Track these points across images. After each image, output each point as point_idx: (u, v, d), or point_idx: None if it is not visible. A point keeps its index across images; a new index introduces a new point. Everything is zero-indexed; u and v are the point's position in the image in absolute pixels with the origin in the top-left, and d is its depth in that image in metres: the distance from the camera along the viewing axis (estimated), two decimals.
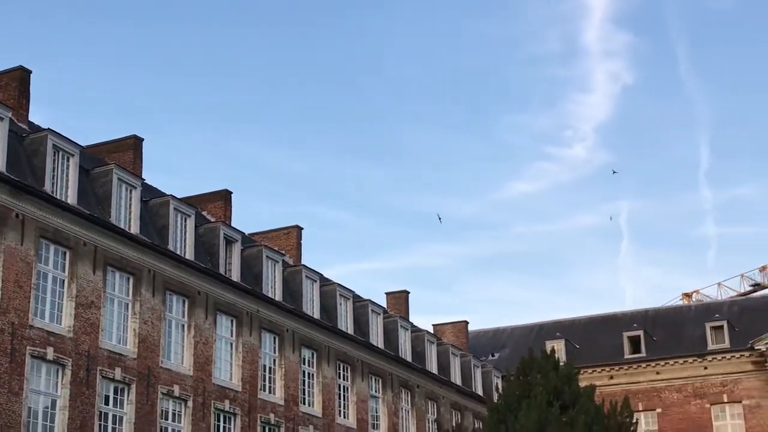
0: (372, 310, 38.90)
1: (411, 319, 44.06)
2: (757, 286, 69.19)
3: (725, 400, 47.67)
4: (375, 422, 37.72)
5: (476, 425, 42.63)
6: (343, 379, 36.22)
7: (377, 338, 38.75)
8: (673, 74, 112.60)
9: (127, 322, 27.20)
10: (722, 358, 48.03)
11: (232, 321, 31.14)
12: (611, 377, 49.71)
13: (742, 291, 68.67)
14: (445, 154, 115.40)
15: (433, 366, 42.55)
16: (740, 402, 47.35)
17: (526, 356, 34.77)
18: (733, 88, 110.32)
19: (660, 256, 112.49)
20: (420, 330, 43.25)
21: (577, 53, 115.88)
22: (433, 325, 50.65)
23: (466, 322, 52.20)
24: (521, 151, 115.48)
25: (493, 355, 53.93)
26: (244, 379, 30.91)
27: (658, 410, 48.66)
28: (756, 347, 46.67)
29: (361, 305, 38.57)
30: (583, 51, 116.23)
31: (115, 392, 26.32)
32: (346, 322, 36.84)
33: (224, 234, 31.75)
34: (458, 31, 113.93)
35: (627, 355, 50.25)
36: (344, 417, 35.79)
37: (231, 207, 36.27)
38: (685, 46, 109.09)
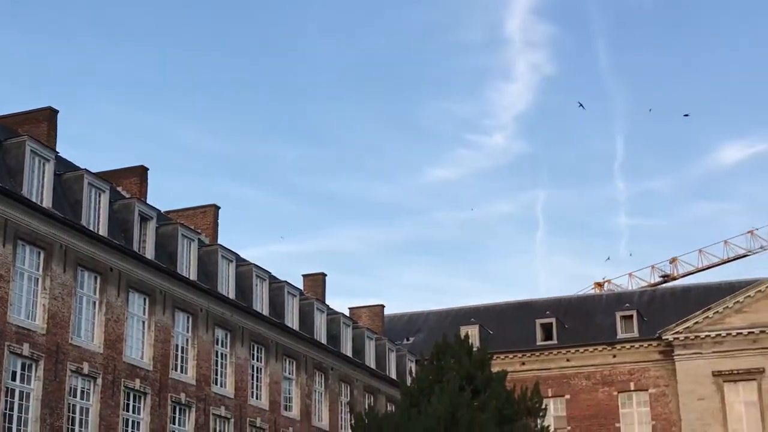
0: (288, 291, 38.88)
1: (327, 302, 44.18)
2: (667, 278, 71.18)
3: (632, 388, 48.98)
4: (287, 404, 37.77)
5: (389, 408, 42.99)
6: (257, 360, 36.16)
7: (292, 320, 38.77)
8: (592, 67, 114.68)
9: (37, 298, 26.71)
10: (631, 346, 49.29)
11: (144, 299, 30.83)
12: (523, 363, 50.63)
13: (653, 282, 70.57)
14: (366, 137, 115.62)
15: (347, 349, 42.76)
16: (647, 390, 48.69)
17: (440, 341, 35.19)
18: (649, 84, 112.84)
19: (574, 246, 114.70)
20: (336, 313, 43.40)
21: (500, 43, 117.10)
22: (350, 308, 50.87)
23: (383, 306, 52.54)
24: (442, 137, 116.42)
25: (408, 340, 54.41)
26: (155, 358, 30.64)
27: (567, 396, 49.78)
28: (664, 337, 48.03)
29: (277, 286, 38.52)
30: (506, 41, 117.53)
31: (23, 368, 25.84)
32: (261, 303, 36.76)
33: (139, 211, 31.36)
34: (381, 14, 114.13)
35: (539, 342, 51.22)
36: (257, 398, 35.76)
37: (147, 184, 35.81)
38: (605, 41, 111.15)
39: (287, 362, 38.10)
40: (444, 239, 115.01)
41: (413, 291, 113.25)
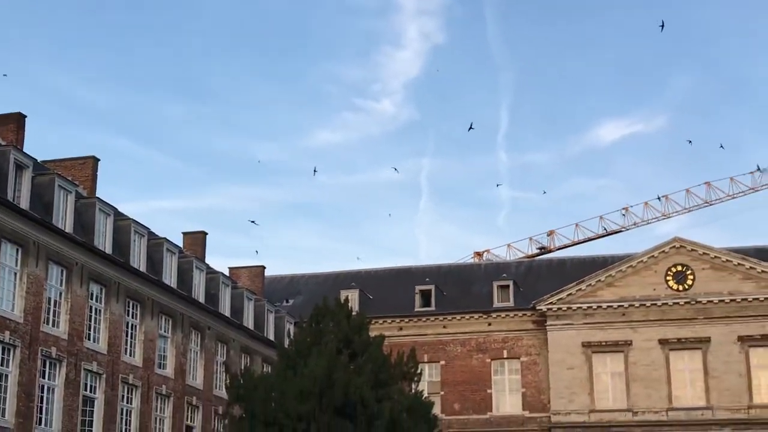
0: (167, 248, 38.40)
1: (207, 261, 43.83)
2: (544, 250, 73.18)
3: (505, 355, 50.33)
4: (162, 362, 37.43)
5: (265, 370, 43.09)
6: (132, 317, 35.68)
7: (170, 278, 38.34)
8: (481, 38, 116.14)
9: None
10: (506, 316, 50.58)
11: (17, 250, 29.96)
12: (401, 328, 51.39)
13: (530, 253, 72.44)
14: (252, 96, 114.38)
15: (226, 309, 42.58)
16: (519, 358, 50.11)
17: (320, 304, 35.41)
18: (535, 58, 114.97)
19: (456, 215, 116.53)
20: (215, 272, 43.10)
21: (392, 8, 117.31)
22: (230, 268, 50.61)
23: (263, 267, 52.44)
24: (330, 100, 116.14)
25: (287, 302, 54.51)
26: (26, 311, 29.88)
27: (442, 362, 50.82)
28: (537, 307, 49.45)
29: (155, 243, 37.99)
30: (398, 7, 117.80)
31: None
32: (139, 259, 36.20)
33: (15, 159, 30.39)
34: None
35: (417, 308, 52.04)
36: (130, 355, 35.32)
37: (24, 132, 34.69)
38: (495, 12, 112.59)
39: (163, 320, 37.71)
40: (328, 202, 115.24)
41: (295, 253, 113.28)
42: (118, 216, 35.83)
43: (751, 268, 47.31)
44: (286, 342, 37.79)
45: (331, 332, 33.85)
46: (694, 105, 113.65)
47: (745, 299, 46.96)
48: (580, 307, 48.87)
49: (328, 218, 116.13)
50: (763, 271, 47.06)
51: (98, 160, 38.28)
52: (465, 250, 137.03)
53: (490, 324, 50.87)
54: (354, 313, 35.72)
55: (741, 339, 46.77)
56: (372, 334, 35.70)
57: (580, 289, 49.12)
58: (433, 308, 51.87)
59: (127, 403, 34.76)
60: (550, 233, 74.60)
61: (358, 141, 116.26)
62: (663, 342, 47.62)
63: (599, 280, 49.12)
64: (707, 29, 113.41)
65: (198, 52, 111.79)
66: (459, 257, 72.09)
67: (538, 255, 71.68)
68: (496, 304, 51.16)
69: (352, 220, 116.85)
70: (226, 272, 47.15)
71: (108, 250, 34.16)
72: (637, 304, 48.28)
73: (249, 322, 44.73)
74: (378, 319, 48.74)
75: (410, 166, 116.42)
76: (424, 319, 51.53)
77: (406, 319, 51.65)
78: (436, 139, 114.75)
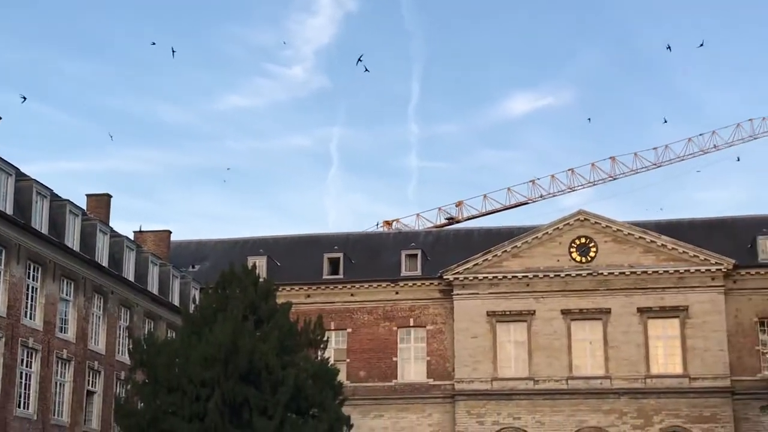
0: (70, 210, 37.62)
1: (112, 224, 43.12)
2: (452, 220, 73.96)
3: (411, 324, 50.90)
4: (63, 326, 36.79)
5: (170, 335, 42.75)
6: (33, 280, 34.92)
7: (73, 240, 37.60)
8: (394, 8, 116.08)
9: None
10: (413, 284, 51.09)
11: None
12: (308, 296, 51.47)
13: (439, 223, 73.14)
14: (158, 57, 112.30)
15: (130, 273, 42.00)
16: (425, 327, 50.73)
17: (226, 270, 35.26)
18: (447, 30, 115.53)
19: (366, 184, 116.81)
20: (119, 236, 42.43)
21: None
22: (135, 232, 49.88)
23: (169, 232, 51.86)
24: (239, 64, 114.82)
25: (193, 267, 54.03)
26: None
27: (349, 330, 51.13)
28: (444, 277, 50.05)
29: (58, 205, 37.18)
30: None
31: None
32: (40, 221, 35.39)
33: None
34: None
35: (325, 276, 52.15)
36: (30, 318, 34.61)
37: None
38: None
39: (65, 283, 37.02)
40: (236, 168, 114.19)
41: (202, 218, 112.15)
42: (20, 176, 34.92)
43: (651, 241, 48.69)
44: (192, 308, 37.57)
45: (237, 298, 33.80)
46: (601, 80, 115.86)
47: (645, 272, 48.37)
48: (485, 277, 49.65)
49: (235, 184, 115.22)
50: (662, 245, 48.49)
51: None
52: (374, 219, 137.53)
53: (397, 293, 51.33)
54: (261, 280, 35.69)
55: (640, 310, 48.18)
56: (279, 301, 35.75)
57: (486, 260, 49.89)
58: (341, 276, 52.05)
59: (27, 367, 34.10)
60: (459, 204, 75.41)
61: (267, 107, 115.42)
62: (565, 312, 48.78)
63: (505, 251, 49.96)
64: (616, 5, 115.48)
65: (100, 8, 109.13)
66: (368, 226, 72.47)
67: (446, 225, 72.40)
68: (404, 273, 51.61)
69: (260, 186, 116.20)
70: (131, 236, 46.48)
71: (9, 211, 33.30)
72: (541, 275, 49.29)
73: (154, 287, 44.23)
74: (286, 287, 48.70)
75: (320, 133, 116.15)
76: (332, 286, 51.70)
77: (314, 287, 51.74)
78: (347, 107, 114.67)
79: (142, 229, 50.83)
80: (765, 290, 45.40)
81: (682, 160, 78.07)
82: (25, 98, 48.80)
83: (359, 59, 46.94)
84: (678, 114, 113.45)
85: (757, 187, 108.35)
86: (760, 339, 47.66)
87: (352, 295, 51.62)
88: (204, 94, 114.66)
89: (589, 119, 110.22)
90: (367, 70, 53.87)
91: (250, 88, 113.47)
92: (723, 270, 47.70)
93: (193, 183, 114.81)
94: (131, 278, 41.98)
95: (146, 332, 39.81)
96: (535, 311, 49.10)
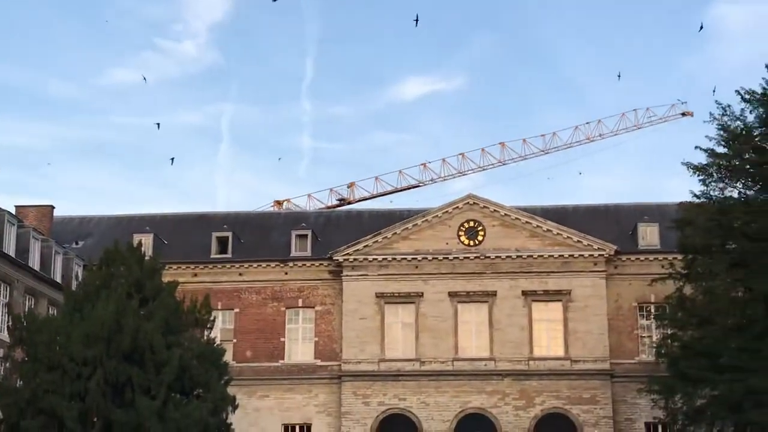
0: None
1: None
2: (343, 201, 74.23)
3: (300, 304, 50.90)
4: None
5: (51, 312, 41.79)
6: None
7: None
8: None
9: None
10: (303, 265, 51.08)
11: None
12: (195, 275, 50.94)
13: (330, 204, 73.31)
14: (42, 28, 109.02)
15: (10, 248, 40.81)
16: (313, 307, 50.81)
17: (111, 247, 34.68)
18: (342, 10, 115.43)
19: (257, 163, 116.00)
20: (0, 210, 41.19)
21: None
22: (16, 206, 48.50)
23: (52, 207, 50.64)
24: (128, 38, 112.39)
25: (77, 244, 52.82)
26: None
27: (237, 310, 50.83)
28: (334, 258, 50.20)
29: None
30: None
31: None
32: None
33: None
34: None
35: (213, 255, 51.69)
36: None
37: None
38: None
39: None
40: (123, 143, 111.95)
41: (88, 194, 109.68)
42: None
43: (537, 226, 49.82)
44: (74, 285, 36.87)
45: (121, 276, 33.32)
46: (493, 67, 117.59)
47: (531, 256, 49.47)
48: (375, 259, 50.01)
49: (123, 160, 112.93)
50: (548, 230, 49.67)
51: None
52: (265, 198, 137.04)
53: (286, 273, 51.24)
54: (147, 258, 35.24)
55: (525, 293, 49.28)
56: (165, 279, 35.35)
57: (376, 241, 50.23)
58: (229, 255, 51.67)
59: None
60: (351, 185, 75.70)
61: (157, 82, 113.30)
62: (452, 294, 49.53)
63: (395, 233, 50.40)
64: None
65: None
66: (258, 205, 72.12)
67: (337, 206, 72.62)
68: (294, 253, 51.55)
69: (147, 162, 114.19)
70: (12, 210, 45.16)
71: None
72: (430, 257, 49.89)
73: (35, 262, 43.11)
74: (172, 265, 48.08)
75: (212, 110, 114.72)
76: (219, 266, 51.29)
77: (202, 266, 51.25)
78: (240, 84, 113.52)
79: (23, 204, 49.46)
80: (644, 276, 46.88)
81: (569, 147, 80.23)
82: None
83: None
84: (566, 102, 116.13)
85: (640, 176, 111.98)
86: (638, 323, 49.35)
87: (240, 274, 51.32)
88: (92, 68, 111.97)
89: (482, 106, 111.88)
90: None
91: (139, 63, 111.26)
92: (605, 256, 49.18)
93: (79, 158, 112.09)
94: (11, 253, 40.82)
95: (27, 309, 38.85)
96: (423, 293, 49.72)
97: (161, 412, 30.82)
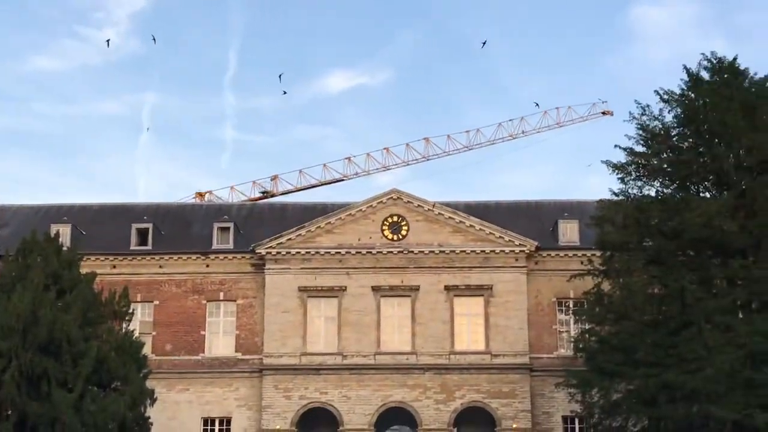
0: None
1: None
2: (267, 194, 74.00)
3: (221, 298, 50.62)
4: None
5: None
6: None
7: None
8: None
9: None
10: (224, 258, 50.79)
11: None
12: (114, 266, 50.29)
13: (253, 197, 73.02)
14: None
15: None
16: (235, 301, 50.56)
17: (27, 237, 34.14)
18: (267, 2, 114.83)
19: (179, 153, 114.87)
20: None
21: None
22: None
23: None
24: (48, 25, 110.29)
25: None
26: None
27: (156, 302, 50.29)
28: (257, 251, 50.03)
29: None
30: None
31: None
32: None
33: None
34: None
35: (133, 247, 51.08)
36: None
37: None
38: None
39: None
40: (41, 132, 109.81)
41: (5, 183, 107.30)
42: None
43: (460, 222, 50.34)
44: None
45: (38, 267, 32.85)
46: (418, 62, 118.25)
47: (453, 251, 49.96)
48: (298, 252, 49.98)
49: (41, 149, 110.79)
50: (470, 226, 50.20)
51: None
52: (187, 190, 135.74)
53: (208, 266, 50.90)
54: (64, 249, 34.78)
55: (447, 288, 49.75)
56: (83, 271, 34.94)
57: (299, 235, 50.20)
58: (149, 247, 51.12)
59: None
60: (274, 178, 75.51)
61: (77, 70, 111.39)
62: (375, 289, 49.78)
63: (319, 227, 50.43)
64: None
65: None
66: (180, 197, 71.39)
67: (260, 199, 72.36)
68: (215, 245, 51.24)
69: (66, 152, 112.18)
70: None
71: None
72: (353, 251, 50.04)
73: None
74: (90, 257, 47.44)
75: (133, 100, 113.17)
76: (139, 258, 50.71)
77: (121, 257, 50.61)
78: (162, 74, 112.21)
79: None
80: (564, 272, 47.59)
81: (492, 143, 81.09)
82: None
83: None
84: (490, 99, 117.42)
85: (561, 174, 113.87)
86: (558, 318, 50.18)
87: (160, 267, 50.80)
88: (11, 55, 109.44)
89: (407, 100, 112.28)
90: None
91: (59, 51, 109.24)
92: (526, 251, 49.89)
93: None
94: None
95: None
96: (346, 287, 49.85)
97: (78, 405, 30.49)
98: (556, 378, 44.99)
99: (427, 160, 79.37)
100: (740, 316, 35.62)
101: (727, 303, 34.83)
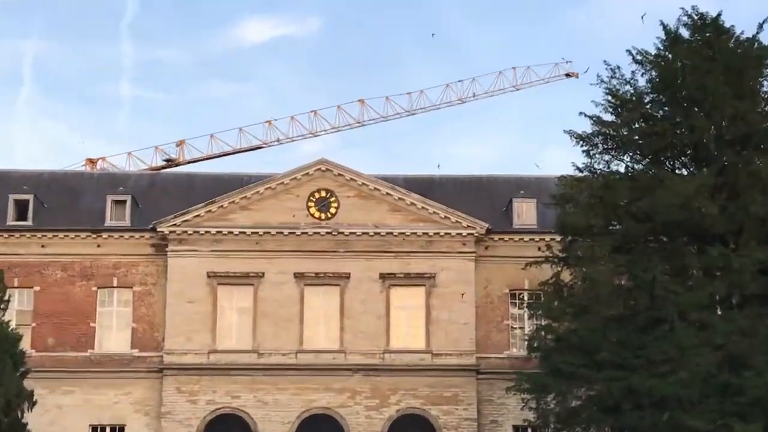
0: None
1: None
2: (171, 162, 73.55)
3: (115, 284, 50.23)
4: None
5: None
6: None
7: None
8: None
9: None
10: (120, 237, 50.34)
11: None
12: None
13: (155, 165, 72.55)
14: None
15: None
16: (131, 288, 50.21)
17: None
18: None
19: (66, 113, 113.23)
20: None
21: None
22: None
23: None
24: None
25: None
26: None
27: (37, 288, 49.74)
28: (158, 229, 49.62)
29: None
30: None
31: None
32: None
33: None
34: None
35: (10, 222, 50.45)
36: None
37: None
38: None
39: None
40: None
41: None
42: None
43: (399, 198, 50.50)
44: None
45: None
46: (351, 11, 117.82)
47: (390, 233, 50.13)
48: (208, 232, 49.73)
49: None
50: (411, 204, 50.37)
51: None
52: (75, 156, 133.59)
53: (99, 246, 50.43)
54: None
55: (383, 277, 49.95)
56: None
57: (209, 211, 49.92)
58: (29, 223, 50.51)
59: None
60: (180, 143, 75.07)
61: None
62: (299, 276, 49.77)
63: (232, 202, 50.19)
64: None
65: None
66: (67, 164, 70.51)
67: (164, 168, 71.92)
68: (109, 222, 50.76)
69: None
70: None
71: None
72: (273, 231, 49.92)
73: None
74: None
75: (10, 48, 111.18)
76: (17, 235, 50.08)
77: None
78: (46, 19, 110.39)
79: None
80: (518, 259, 47.98)
81: (438, 108, 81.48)
82: None
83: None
84: (437, 57, 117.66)
85: (517, 145, 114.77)
86: (509, 313, 50.73)
87: (42, 246, 50.22)
88: None
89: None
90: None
91: None
92: (475, 234, 50.27)
93: None
94: None
95: None
96: (263, 274, 49.79)
97: None
98: (506, 382, 45.17)
99: (362, 125, 79.60)
100: (718, 312, 36.25)
101: (704, 297, 35.29)
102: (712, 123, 36.94)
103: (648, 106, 38.57)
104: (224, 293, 49.90)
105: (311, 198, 50.70)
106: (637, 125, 38.53)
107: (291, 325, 49.54)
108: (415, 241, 50.33)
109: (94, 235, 50.44)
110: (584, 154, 38.86)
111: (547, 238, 45.32)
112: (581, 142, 38.81)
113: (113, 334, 50.13)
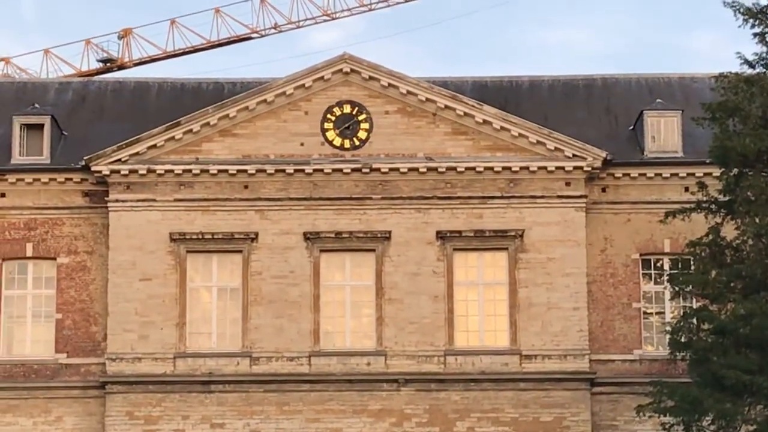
0: None
1: None
2: (111, 64, 73.53)
3: (29, 254, 50.51)
4: None
5: None
6: None
7: None
8: None
9: None
10: (34, 180, 50.51)
11: None
12: None
13: (86, 69, 72.66)
14: None
15: None
16: (55, 259, 50.43)
17: None
18: None
19: None
20: None
21: None
22: None
23: None
24: None
25: None
26: None
27: None
28: (94, 168, 49.55)
29: None
30: None
31: None
32: None
33: None
34: None
35: None
36: None
37: None
38: None
39: None
40: None
41: None
42: None
43: (466, 114, 50.20)
44: None
45: None
46: None
47: (453, 168, 49.96)
48: (170, 171, 49.78)
49: None
50: (484, 122, 50.08)
51: None
52: None
53: (4, 195, 50.69)
54: None
55: (442, 237, 49.92)
56: None
57: (173, 139, 49.92)
58: None
59: None
60: (125, 34, 75.01)
61: None
62: (311, 238, 49.79)
63: (207, 125, 50.14)
64: None
65: None
66: None
67: (101, 72, 72.05)
68: (18, 158, 51.02)
69: None
70: None
71: None
72: (270, 168, 49.94)
73: None
74: None
75: None
76: None
77: None
78: None
79: None
80: (654, 206, 47.86)
81: None
82: None
83: None
84: None
85: (644, 30, 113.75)
86: (642, 290, 50.40)
87: None
88: None
89: None
90: None
91: None
92: (585, 169, 50.03)
93: None
94: None
95: None
96: (257, 235, 49.89)
97: None
98: (638, 397, 45.36)
99: (403, 2, 79.08)
100: None
101: None
102: None
103: None
104: (197, 266, 50.22)
105: (329, 116, 50.67)
106: None
107: (300, 314, 49.69)
108: (492, 181, 50.23)
109: None
110: (757, 39, 38.54)
111: (700, 172, 44.93)
112: (753, 20, 38.48)
113: (27, 330, 50.65)
